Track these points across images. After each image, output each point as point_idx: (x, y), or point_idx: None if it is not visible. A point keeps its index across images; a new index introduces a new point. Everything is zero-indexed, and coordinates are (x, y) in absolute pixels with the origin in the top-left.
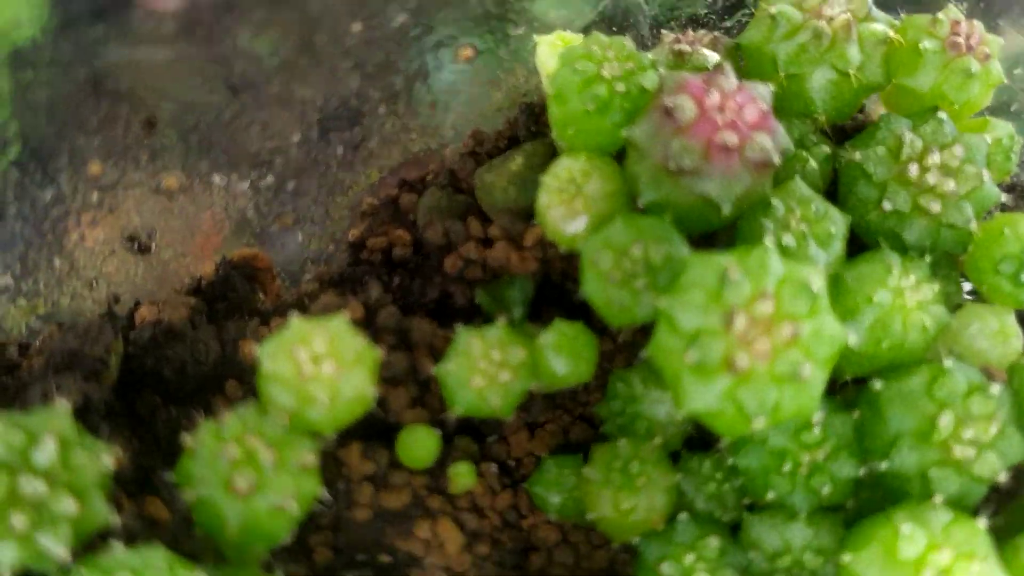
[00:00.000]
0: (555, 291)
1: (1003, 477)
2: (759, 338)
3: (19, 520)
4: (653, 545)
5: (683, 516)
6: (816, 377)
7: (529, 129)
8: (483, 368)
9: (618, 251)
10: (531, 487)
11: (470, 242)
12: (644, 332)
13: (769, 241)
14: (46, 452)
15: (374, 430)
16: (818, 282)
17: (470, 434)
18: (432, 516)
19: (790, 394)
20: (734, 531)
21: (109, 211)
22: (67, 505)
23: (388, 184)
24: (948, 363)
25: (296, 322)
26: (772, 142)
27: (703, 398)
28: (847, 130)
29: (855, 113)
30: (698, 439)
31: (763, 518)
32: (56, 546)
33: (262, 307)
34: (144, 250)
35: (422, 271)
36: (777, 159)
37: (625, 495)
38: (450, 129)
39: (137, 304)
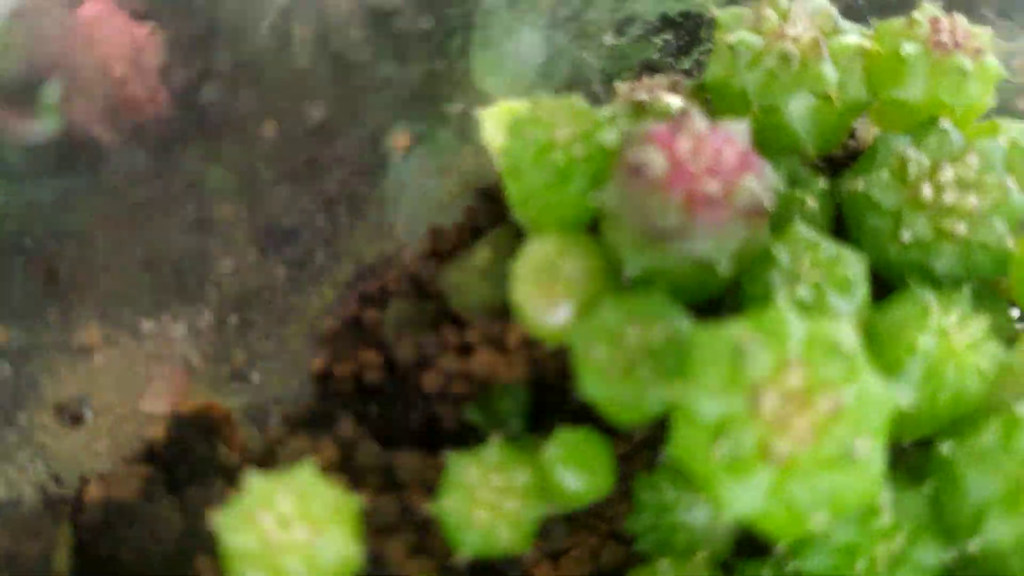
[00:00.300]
0: (554, 393)
1: None
2: (795, 417)
3: None
4: None
5: None
6: (872, 453)
7: (491, 215)
8: (485, 498)
9: (612, 339)
10: None
11: (447, 354)
12: (664, 424)
13: (781, 297)
14: None
15: None
16: (850, 337)
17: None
18: None
19: (846, 478)
20: None
21: (27, 382)
22: None
23: (347, 302)
24: (1021, 409)
25: (255, 482)
26: (761, 183)
27: (745, 499)
28: (839, 160)
29: (845, 140)
30: (749, 542)
31: None
32: None
33: (227, 463)
34: (76, 420)
35: (401, 395)
36: (769, 201)
37: None
38: (403, 229)
39: (85, 481)
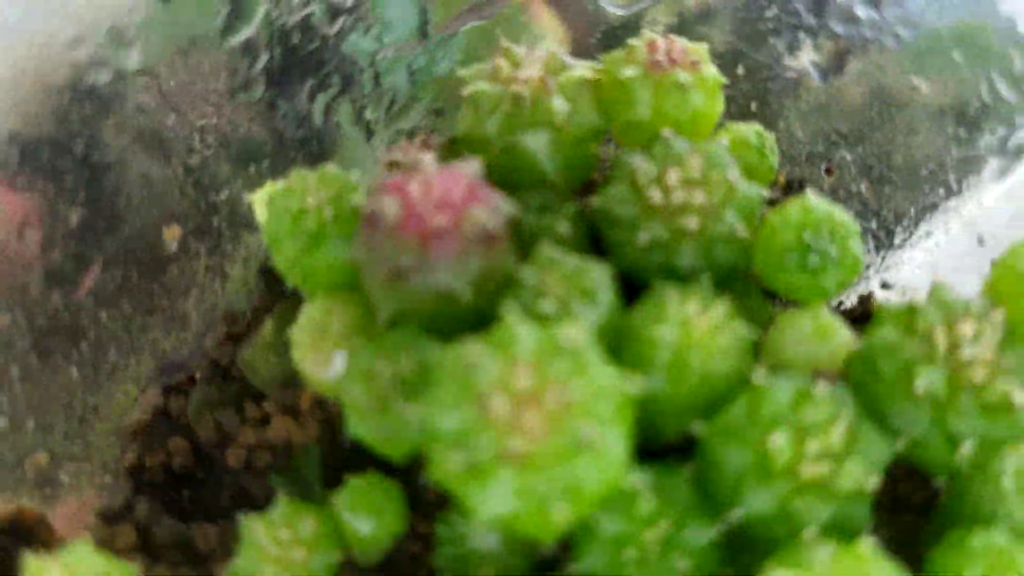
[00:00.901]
0: (350, 454)
1: (874, 482)
2: (526, 416)
3: None
4: None
5: None
6: (609, 440)
7: (274, 293)
8: (273, 553)
9: (365, 377)
10: None
11: (247, 428)
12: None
13: (511, 311)
14: None
15: None
16: (578, 337)
17: None
18: None
19: (586, 467)
20: None
21: None
22: None
23: (151, 395)
24: (758, 378)
25: (31, 560)
26: (487, 211)
27: (493, 503)
28: (598, 184)
29: (592, 172)
30: (547, 562)
31: None
32: None
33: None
34: None
35: (210, 476)
36: (499, 227)
37: None
38: (199, 318)
39: None
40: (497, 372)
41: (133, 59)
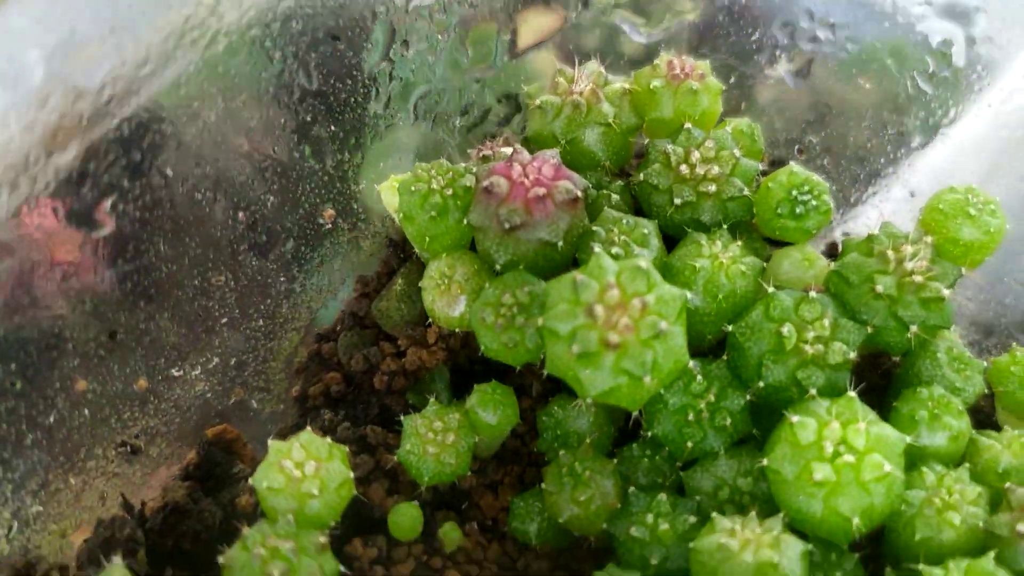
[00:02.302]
0: (467, 375)
1: (853, 356)
2: (619, 317)
3: None
4: (618, 522)
5: (632, 490)
6: (674, 329)
7: (399, 258)
8: (432, 438)
9: (494, 305)
10: (511, 525)
11: (387, 359)
12: (551, 380)
13: (598, 250)
14: None
15: (366, 524)
16: (646, 263)
17: (445, 508)
18: (438, 571)
19: (661, 348)
20: (680, 492)
21: (101, 422)
22: None
23: (308, 343)
24: (771, 289)
25: (273, 444)
26: (571, 184)
27: (598, 380)
28: (632, 169)
29: (630, 157)
30: (622, 437)
31: (694, 469)
32: None
33: (243, 474)
34: (136, 452)
35: (359, 398)
36: (580, 194)
37: (580, 491)
38: (339, 283)
39: (143, 504)
40: (596, 288)
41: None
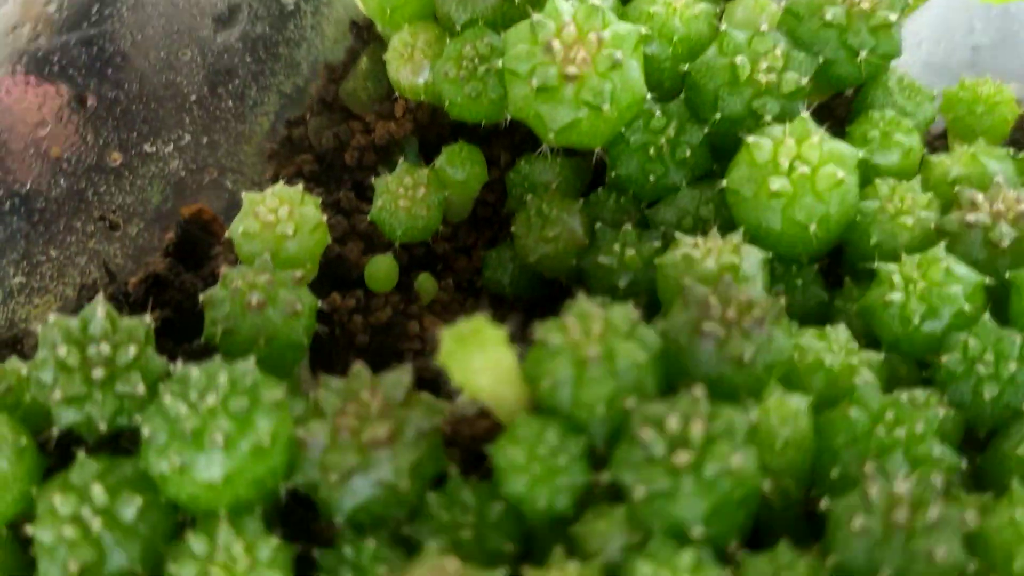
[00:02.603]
0: (436, 150)
1: (804, 82)
2: (577, 52)
3: (98, 372)
4: (587, 256)
5: (599, 225)
6: (631, 62)
7: (363, 41)
8: (403, 193)
9: (456, 59)
10: (484, 276)
11: (356, 135)
12: (517, 150)
13: None
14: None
15: (344, 282)
16: (600, 1)
17: (420, 268)
18: (415, 317)
19: (619, 79)
20: (645, 227)
21: (78, 194)
22: (130, 352)
23: (278, 130)
24: (725, 27)
25: (247, 195)
26: None
27: (559, 114)
28: None
29: None
30: (588, 185)
31: (658, 206)
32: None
33: (218, 253)
34: (115, 228)
35: (332, 175)
36: None
37: (548, 229)
38: (306, 68)
39: (126, 282)
40: (553, 27)
41: None
